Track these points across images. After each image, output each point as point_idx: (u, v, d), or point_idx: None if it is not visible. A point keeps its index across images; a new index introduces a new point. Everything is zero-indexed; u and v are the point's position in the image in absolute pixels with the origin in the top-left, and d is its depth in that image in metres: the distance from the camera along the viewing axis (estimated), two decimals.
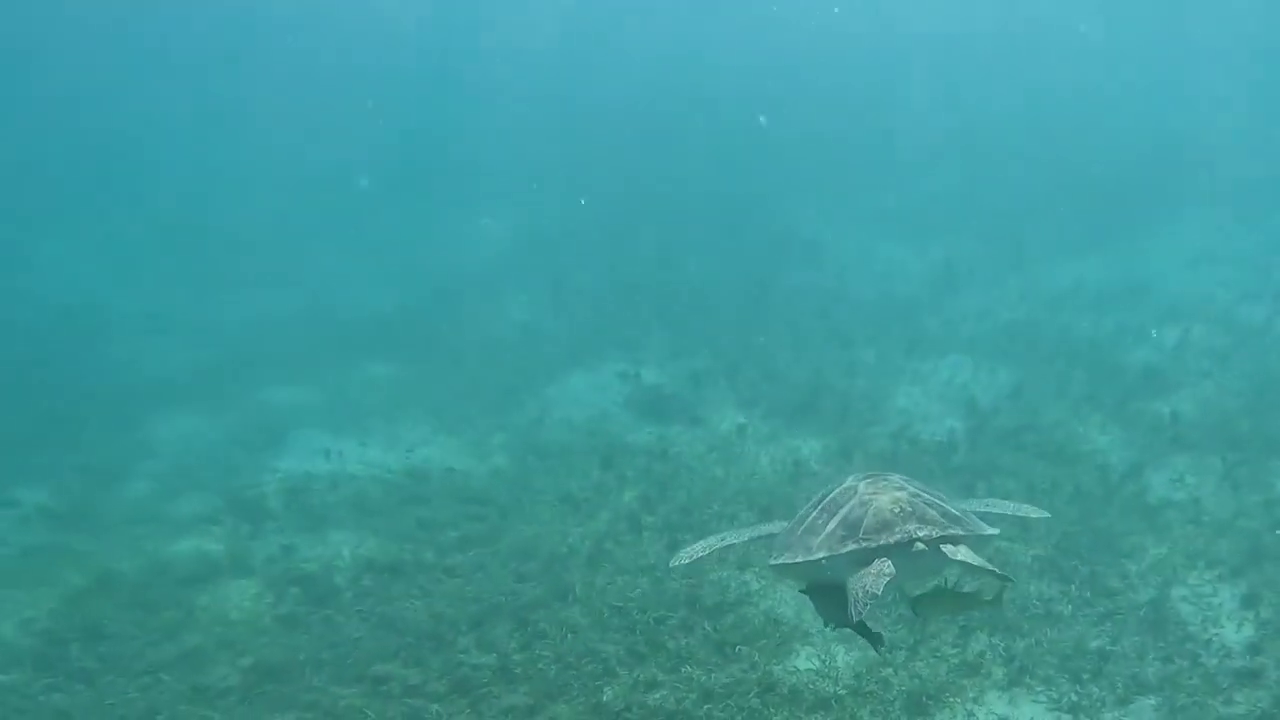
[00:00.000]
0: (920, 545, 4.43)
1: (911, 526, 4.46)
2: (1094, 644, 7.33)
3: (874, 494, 4.68)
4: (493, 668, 7.47)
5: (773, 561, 4.97)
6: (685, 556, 5.44)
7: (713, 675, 7.22)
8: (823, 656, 7.42)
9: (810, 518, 4.88)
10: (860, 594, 4.28)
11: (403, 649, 7.87)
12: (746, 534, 5.65)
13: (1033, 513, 5.59)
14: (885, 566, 4.37)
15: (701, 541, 5.56)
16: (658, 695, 7.07)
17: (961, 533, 4.51)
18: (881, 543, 4.43)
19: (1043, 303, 15.53)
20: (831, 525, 4.67)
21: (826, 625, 4.87)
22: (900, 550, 4.44)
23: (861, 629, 4.55)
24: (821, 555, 4.57)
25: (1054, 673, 7.13)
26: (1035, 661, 7.20)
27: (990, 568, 4.40)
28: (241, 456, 12.20)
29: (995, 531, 4.84)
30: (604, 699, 7.10)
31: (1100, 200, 20.04)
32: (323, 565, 9.33)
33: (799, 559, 4.69)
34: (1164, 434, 10.60)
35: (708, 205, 23.44)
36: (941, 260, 17.03)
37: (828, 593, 4.81)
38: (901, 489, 4.71)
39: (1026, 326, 14.48)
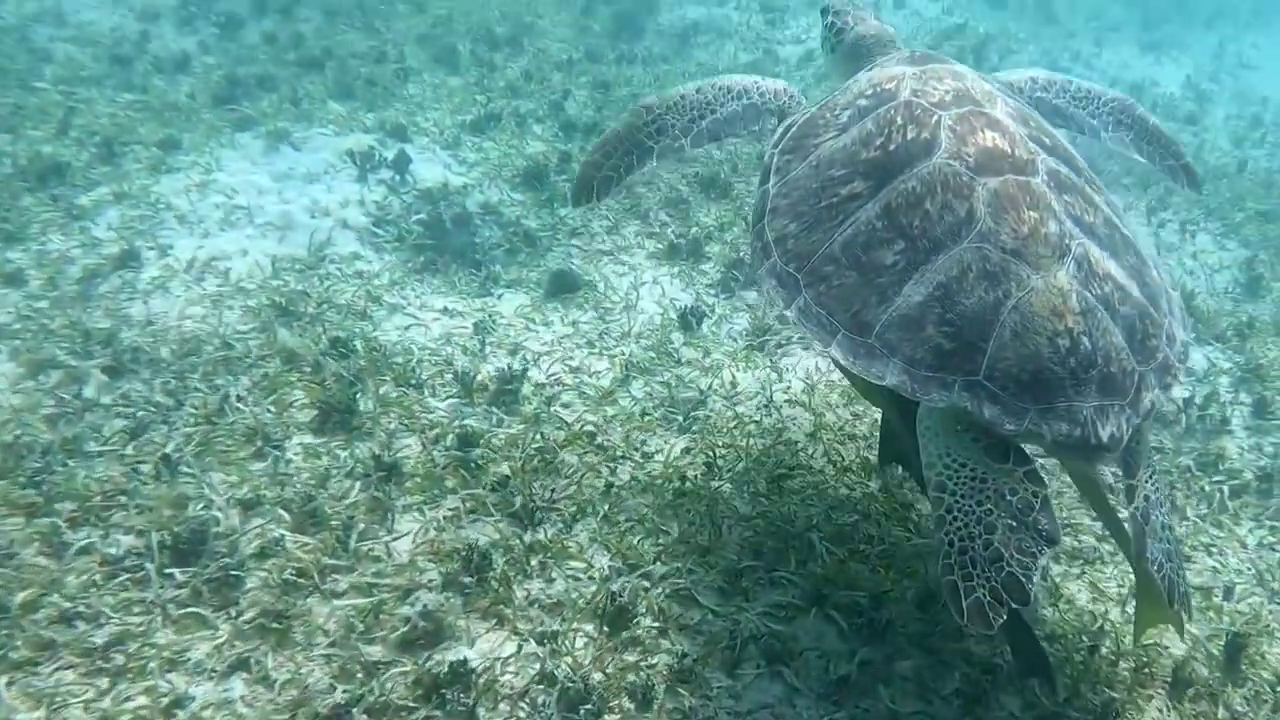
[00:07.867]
0: (1111, 464, 2.50)
1: (1087, 408, 2.33)
2: None
3: (1005, 222, 2.49)
4: None
5: (801, 323, 2.67)
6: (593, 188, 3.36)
7: None
8: None
9: (853, 195, 2.68)
10: (983, 592, 2.26)
11: None
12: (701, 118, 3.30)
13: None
14: (1039, 520, 2.32)
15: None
16: None
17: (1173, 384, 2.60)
18: (1039, 428, 2.37)
19: None
20: (916, 291, 2.49)
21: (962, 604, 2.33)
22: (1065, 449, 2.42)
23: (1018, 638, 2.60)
24: (894, 378, 2.45)
25: None
26: None
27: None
28: None
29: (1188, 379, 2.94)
30: None
31: None
32: None
33: (839, 355, 2.54)
34: None
35: None
36: None
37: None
38: (1062, 237, 2.53)
39: None
